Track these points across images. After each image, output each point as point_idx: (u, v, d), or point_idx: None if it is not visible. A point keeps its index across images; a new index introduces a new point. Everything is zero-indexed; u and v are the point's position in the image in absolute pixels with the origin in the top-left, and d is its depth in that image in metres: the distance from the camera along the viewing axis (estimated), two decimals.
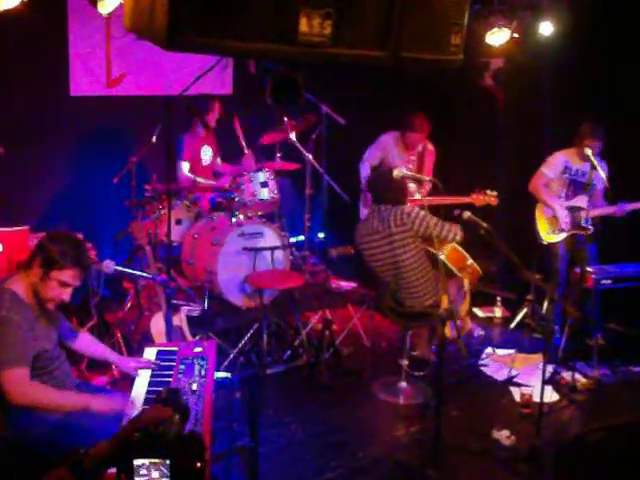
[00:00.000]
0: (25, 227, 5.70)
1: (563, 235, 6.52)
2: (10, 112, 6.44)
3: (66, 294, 3.58)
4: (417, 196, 6.60)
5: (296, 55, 1.56)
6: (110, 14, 5.20)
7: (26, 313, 3.49)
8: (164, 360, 4.08)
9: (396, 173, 5.26)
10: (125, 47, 7.31)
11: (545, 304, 6.69)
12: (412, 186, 6.70)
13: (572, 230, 6.48)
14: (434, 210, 5.66)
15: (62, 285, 3.53)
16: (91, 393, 3.76)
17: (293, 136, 6.72)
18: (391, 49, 1.62)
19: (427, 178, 5.38)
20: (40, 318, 3.59)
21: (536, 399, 5.12)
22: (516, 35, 6.63)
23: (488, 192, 6.37)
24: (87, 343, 4.11)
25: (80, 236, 4.42)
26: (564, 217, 6.43)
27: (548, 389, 5.43)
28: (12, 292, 3.49)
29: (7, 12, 5.04)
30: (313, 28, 1.52)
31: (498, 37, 6.59)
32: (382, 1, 1.59)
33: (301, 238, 7.80)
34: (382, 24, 1.61)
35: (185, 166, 6.79)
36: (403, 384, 5.80)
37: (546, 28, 6.62)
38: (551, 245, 6.60)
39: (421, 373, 6.00)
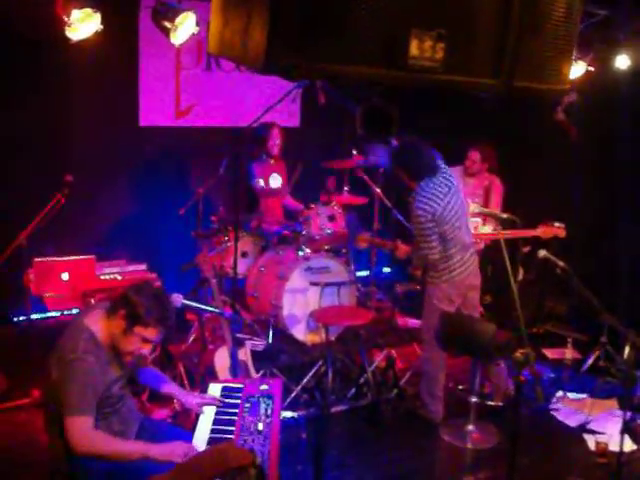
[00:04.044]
0: (91, 256, 5.73)
1: None
2: (80, 141, 6.51)
3: (146, 349, 3.57)
4: (482, 230, 6.42)
5: (405, 81, 1.44)
6: (182, 45, 5.19)
7: (100, 355, 3.45)
8: (229, 397, 4.01)
9: (472, 208, 5.10)
10: (194, 78, 7.38)
11: (626, 350, 6.39)
12: (477, 220, 6.53)
13: None
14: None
15: (144, 341, 3.50)
16: (155, 429, 3.71)
17: (361, 169, 6.61)
18: (504, 77, 1.50)
19: (504, 216, 5.22)
20: (113, 362, 3.55)
21: (612, 448, 4.87)
22: (591, 68, 6.44)
23: (556, 224, 6.17)
24: (152, 377, 4.04)
25: (155, 276, 4.38)
26: None
27: (625, 438, 5.16)
28: (91, 332, 3.46)
29: (81, 42, 5.08)
30: (424, 52, 1.40)
31: (573, 70, 6.41)
32: (495, 23, 1.47)
33: (365, 273, 7.67)
34: (495, 49, 1.49)
35: (260, 181, 6.80)
36: (471, 427, 5.56)
37: (622, 62, 6.42)
38: None
39: (499, 403, 5.81)
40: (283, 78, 1.62)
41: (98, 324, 3.51)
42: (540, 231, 6.17)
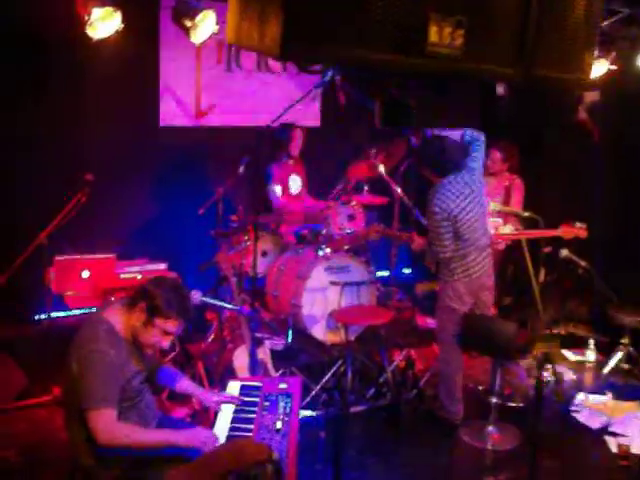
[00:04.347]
0: (111, 255, 5.74)
1: None
2: (100, 141, 6.53)
3: (166, 342, 3.57)
4: (503, 230, 6.38)
5: (423, 68, 1.42)
6: (202, 44, 5.20)
7: (120, 348, 3.46)
8: (247, 395, 4.00)
9: (492, 207, 5.05)
10: (214, 78, 7.38)
11: None
12: (498, 220, 6.48)
13: None
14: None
15: (164, 334, 3.52)
16: (172, 427, 3.69)
17: (382, 168, 6.57)
18: (524, 65, 1.47)
19: (526, 214, 5.15)
20: (132, 355, 3.56)
21: (635, 450, 4.82)
22: (614, 67, 6.37)
23: (577, 224, 6.10)
24: (170, 376, 4.03)
25: (175, 275, 4.39)
26: None
27: None
28: (109, 324, 3.47)
29: (102, 42, 5.10)
30: (443, 39, 1.37)
31: (595, 69, 6.35)
32: (515, 10, 1.44)
33: (385, 273, 7.64)
34: (515, 37, 1.46)
35: (277, 189, 6.76)
36: (492, 428, 5.51)
37: None
38: None
39: (520, 404, 5.79)
40: (298, 65, 1.60)
41: (117, 317, 3.52)
42: (561, 231, 6.10)
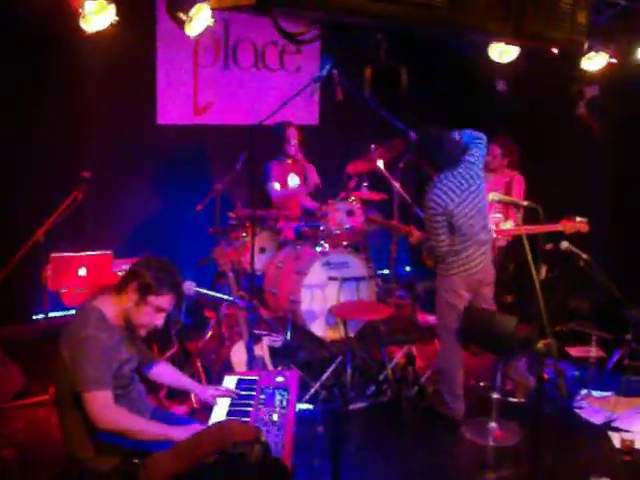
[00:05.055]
0: (108, 252, 5.71)
1: None
2: (98, 138, 6.51)
3: (160, 319, 3.56)
4: (504, 226, 6.33)
5: (408, 16, 1.37)
6: (197, 38, 5.15)
7: (111, 334, 3.44)
8: (244, 389, 3.97)
9: (491, 197, 5.01)
10: (212, 76, 7.38)
11: None
12: (498, 216, 6.44)
13: None
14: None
15: (157, 311, 3.52)
16: (166, 420, 3.66)
17: (381, 164, 6.53)
18: (513, 20, 1.43)
19: (525, 203, 5.10)
20: (124, 341, 3.54)
21: (638, 445, 4.75)
22: (613, 60, 6.32)
23: (578, 218, 6.06)
24: (164, 371, 4.00)
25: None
26: None
27: None
28: (99, 311, 3.46)
29: (100, 40, 5.07)
30: None
31: (595, 62, 6.31)
32: None
33: (386, 272, 7.60)
34: None
35: (276, 185, 6.74)
36: (493, 424, 5.45)
37: None
38: None
39: (521, 400, 5.74)
40: (290, 38, 1.55)
41: (107, 304, 3.50)
42: (563, 225, 6.07)
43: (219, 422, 3.36)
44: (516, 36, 1.39)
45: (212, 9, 1.47)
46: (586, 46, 1.49)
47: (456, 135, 5.33)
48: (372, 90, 1.64)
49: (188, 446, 1.92)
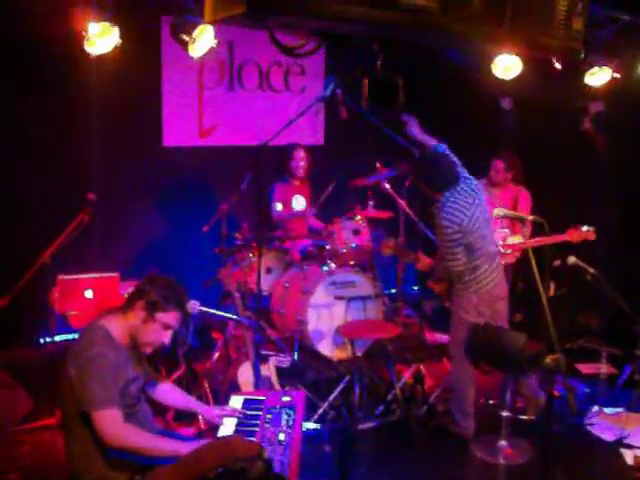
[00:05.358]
0: (115, 274, 5.71)
1: None
2: (104, 160, 6.52)
3: (167, 337, 3.58)
4: (511, 240, 6.32)
5: (398, 22, 1.36)
6: (202, 60, 5.19)
7: (118, 353, 3.45)
8: (250, 409, 3.94)
9: (496, 212, 5.00)
10: (217, 98, 7.40)
11: None
12: (505, 231, 6.42)
13: None
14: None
15: (165, 328, 3.55)
16: (176, 439, 3.62)
17: (386, 183, 6.51)
18: (507, 25, 1.42)
19: (530, 218, 5.10)
20: (130, 360, 3.55)
21: None
22: (617, 75, 6.31)
23: (584, 227, 6.05)
24: (169, 392, 3.98)
25: None
26: None
27: None
28: (106, 330, 3.47)
29: (105, 63, 5.10)
30: None
31: (599, 77, 6.31)
32: None
33: (393, 291, 7.57)
34: None
35: (278, 205, 6.75)
36: (503, 443, 5.40)
37: None
38: None
39: (532, 417, 5.70)
40: (285, 51, 1.55)
41: (113, 323, 3.51)
42: (569, 235, 6.06)
43: (222, 437, 3.35)
44: (510, 42, 1.38)
45: (207, 22, 1.47)
46: (583, 55, 1.48)
47: (451, 161, 5.34)
48: (370, 104, 1.64)
49: (189, 461, 1.91)
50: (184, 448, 3.35)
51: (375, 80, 1.63)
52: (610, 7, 5.91)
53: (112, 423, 3.27)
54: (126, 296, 3.68)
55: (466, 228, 5.10)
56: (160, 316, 3.49)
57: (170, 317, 3.53)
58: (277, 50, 1.88)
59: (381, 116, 6.00)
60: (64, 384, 3.39)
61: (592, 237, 6.05)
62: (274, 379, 5.03)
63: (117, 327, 3.50)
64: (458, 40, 1.44)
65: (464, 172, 5.29)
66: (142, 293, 3.53)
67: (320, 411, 5.62)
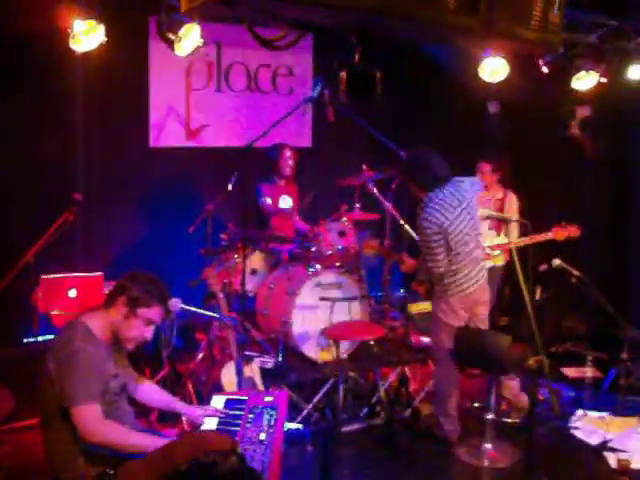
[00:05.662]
0: (99, 274, 5.68)
1: None
2: (89, 160, 6.50)
3: (149, 332, 3.60)
4: (497, 240, 6.33)
5: (376, 9, 1.36)
6: (190, 61, 5.18)
7: (99, 348, 3.44)
8: (232, 409, 3.94)
9: (481, 212, 5.00)
10: (205, 99, 7.38)
11: None
12: (491, 232, 6.42)
13: None
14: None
15: (147, 323, 3.56)
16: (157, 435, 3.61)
17: (372, 185, 6.50)
18: (482, 16, 1.41)
19: (514, 218, 5.11)
20: (111, 357, 3.55)
21: (635, 465, 4.74)
22: (604, 80, 6.33)
23: (569, 226, 6.09)
24: (151, 393, 3.97)
25: None
26: None
27: None
28: (86, 327, 3.46)
29: (92, 63, 5.08)
30: None
31: (585, 82, 6.32)
32: None
33: (379, 294, 7.55)
34: None
35: (268, 200, 6.79)
36: (488, 446, 5.39)
37: (635, 72, 6.31)
38: None
39: (516, 420, 5.69)
40: (264, 43, 1.54)
41: (94, 320, 3.51)
42: (554, 233, 6.09)
43: (196, 431, 3.35)
44: (485, 33, 1.37)
45: (185, 11, 1.46)
46: (561, 49, 1.47)
47: (440, 161, 5.33)
48: (348, 96, 1.63)
49: (161, 454, 1.90)
50: (163, 443, 3.39)
51: (353, 72, 1.62)
52: (597, 12, 5.94)
53: (91, 418, 3.26)
54: (107, 293, 3.67)
55: (447, 230, 5.08)
56: (142, 311, 3.50)
57: (153, 312, 3.53)
58: (256, 43, 1.86)
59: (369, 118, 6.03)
60: (44, 381, 3.38)
61: (576, 233, 6.08)
62: (258, 380, 5.03)
63: (98, 323, 3.49)
64: (433, 32, 1.43)
65: (458, 177, 5.29)
66: (124, 289, 3.54)
67: (304, 413, 5.61)
